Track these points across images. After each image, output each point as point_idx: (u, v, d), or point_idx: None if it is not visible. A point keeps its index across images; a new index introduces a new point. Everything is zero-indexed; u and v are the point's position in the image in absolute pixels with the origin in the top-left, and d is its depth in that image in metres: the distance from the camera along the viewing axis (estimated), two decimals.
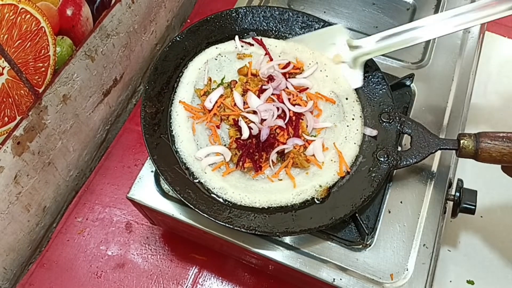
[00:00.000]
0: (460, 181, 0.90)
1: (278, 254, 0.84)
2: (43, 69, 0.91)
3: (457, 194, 0.88)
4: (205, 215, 0.80)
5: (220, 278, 1.04)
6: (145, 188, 0.89)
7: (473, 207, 0.86)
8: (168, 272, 1.04)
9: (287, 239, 0.85)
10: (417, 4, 1.16)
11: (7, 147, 0.89)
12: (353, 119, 0.93)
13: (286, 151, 0.88)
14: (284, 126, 0.89)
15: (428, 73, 1.02)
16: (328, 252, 0.84)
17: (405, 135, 0.92)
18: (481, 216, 1.09)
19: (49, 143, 1.01)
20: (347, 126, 0.92)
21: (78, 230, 1.09)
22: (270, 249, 0.84)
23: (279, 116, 0.90)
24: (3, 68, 0.81)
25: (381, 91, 0.95)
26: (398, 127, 0.89)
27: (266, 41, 1.02)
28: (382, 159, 0.87)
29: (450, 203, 0.91)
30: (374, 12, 1.13)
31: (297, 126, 0.90)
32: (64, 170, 1.10)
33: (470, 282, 1.03)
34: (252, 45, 1.01)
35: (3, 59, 0.80)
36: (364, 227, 0.85)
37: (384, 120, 0.91)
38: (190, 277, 1.04)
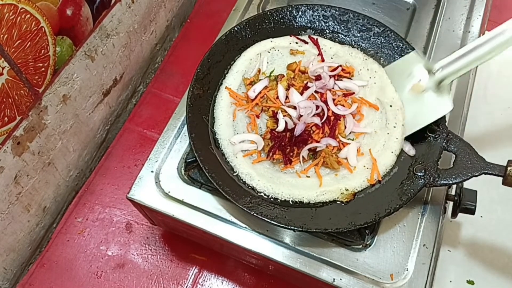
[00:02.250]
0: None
1: (278, 254, 0.84)
2: (43, 69, 0.91)
3: (457, 194, 0.88)
4: (227, 196, 0.82)
5: (220, 278, 1.04)
6: (145, 188, 0.89)
7: (473, 207, 0.86)
8: (168, 272, 1.04)
9: (287, 239, 0.85)
10: (417, 4, 1.16)
11: (7, 147, 0.89)
12: (394, 127, 0.91)
13: (318, 149, 0.88)
14: (320, 125, 0.89)
15: None
16: (328, 252, 0.84)
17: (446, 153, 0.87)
18: (481, 216, 1.09)
19: (49, 143, 1.01)
20: (388, 133, 0.91)
21: (78, 230, 1.09)
22: (270, 249, 0.84)
23: (317, 115, 0.90)
24: (3, 68, 0.81)
25: None
26: (443, 144, 0.86)
27: (321, 41, 1.02)
28: (419, 173, 0.84)
29: (450, 203, 0.91)
30: (374, 12, 1.13)
31: (334, 126, 0.90)
32: (64, 170, 1.10)
33: (470, 282, 1.03)
34: (307, 43, 1.02)
35: (3, 59, 0.80)
36: (364, 228, 0.85)
37: (430, 134, 0.87)
38: (190, 277, 1.04)
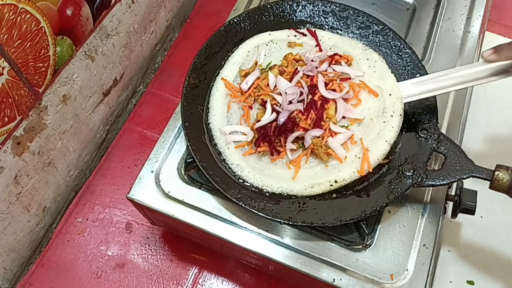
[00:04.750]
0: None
1: (278, 254, 0.84)
2: (43, 69, 0.91)
3: (457, 194, 0.88)
4: (217, 185, 0.83)
5: (220, 278, 1.04)
6: (145, 188, 0.89)
7: (473, 207, 0.86)
8: (168, 272, 1.04)
9: (287, 239, 0.85)
10: (417, 4, 1.16)
11: (7, 147, 0.89)
12: (391, 115, 0.89)
13: (306, 143, 0.87)
14: (303, 110, 0.87)
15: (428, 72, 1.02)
16: (328, 252, 0.84)
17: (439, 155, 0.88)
18: (481, 216, 1.09)
19: (49, 143, 1.01)
20: (384, 122, 0.89)
21: (78, 230, 1.09)
22: (270, 249, 0.84)
23: (302, 100, 0.88)
24: (3, 68, 0.81)
25: (426, 105, 0.91)
26: (434, 145, 0.86)
27: (320, 33, 1.02)
28: (407, 173, 0.84)
29: (450, 203, 0.91)
30: (374, 12, 1.13)
31: (320, 112, 0.87)
32: (64, 170, 1.10)
33: (470, 282, 1.03)
34: (305, 35, 1.02)
35: (3, 59, 0.80)
36: (364, 228, 0.85)
37: (422, 135, 0.87)
38: (190, 277, 1.04)
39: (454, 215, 0.89)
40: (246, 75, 0.96)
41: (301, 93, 0.89)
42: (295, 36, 1.02)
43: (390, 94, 0.92)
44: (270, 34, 1.02)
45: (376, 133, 0.88)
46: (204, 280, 1.03)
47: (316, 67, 0.93)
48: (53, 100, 0.97)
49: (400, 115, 0.90)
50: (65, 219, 1.10)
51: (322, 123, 0.87)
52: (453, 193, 0.89)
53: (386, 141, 0.88)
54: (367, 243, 0.85)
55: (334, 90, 0.90)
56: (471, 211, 0.86)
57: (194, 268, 1.05)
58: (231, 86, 0.95)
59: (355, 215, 0.81)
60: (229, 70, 0.98)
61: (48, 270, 1.04)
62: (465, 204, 0.86)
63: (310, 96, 0.89)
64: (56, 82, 0.96)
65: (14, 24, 0.80)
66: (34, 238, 1.08)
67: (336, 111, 0.88)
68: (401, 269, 0.83)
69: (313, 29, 1.02)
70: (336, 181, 0.85)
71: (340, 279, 0.81)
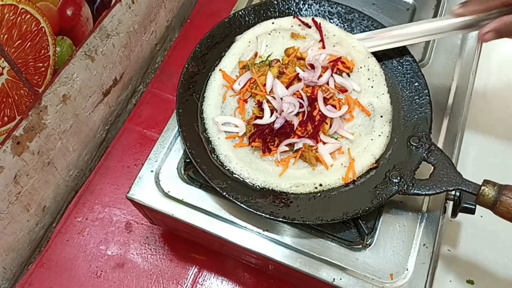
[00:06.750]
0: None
1: (278, 254, 0.84)
2: (43, 69, 0.91)
3: (457, 194, 0.88)
4: (203, 174, 0.84)
5: (220, 278, 1.04)
6: (145, 188, 0.89)
7: (473, 207, 0.86)
8: (168, 272, 1.04)
9: (287, 239, 0.85)
10: (417, 4, 1.16)
11: (7, 147, 0.89)
12: (379, 135, 0.91)
13: (296, 147, 0.88)
14: (296, 126, 0.89)
15: (428, 73, 1.01)
16: (328, 252, 0.84)
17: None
18: (481, 216, 1.08)
19: (49, 143, 1.01)
20: (371, 139, 0.91)
21: (78, 230, 1.09)
22: (270, 249, 0.84)
23: (300, 114, 0.90)
24: (3, 68, 0.81)
25: (421, 114, 0.91)
26: (424, 154, 0.86)
27: (325, 25, 1.01)
28: (394, 180, 0.84)
29: (450, 203, 0.91)
30: (374, 12, 1.13)
31: (318, 128, 0.89)
32: (64, 170, 1.10)
33: (470, 282, 1.03)
34: (310, 27, 1.01)
35: (3, 59, 0.80)
36: (363, 227, 0.85)
37: (413, 143, 0.87)
38: (190, 277, 1.04)
39: (454, 214, 0.89)
40: (244, 67, 0.96)
41: (301, 105, 0.90)
42: (299, 25, 1.01)
43: (381, 116, 0.93)
44: (273, 23, 1.02)
45: (363, 148, 0.90)
46: (204, 280, 1.03)
47: (319, 76, 0.93)
48: (53, 100, 0.97)
49: (387, 136, 0.92)
50: (64, 219, 1.10)
51: (319, 137, 0.89)
52: (453, 193, 0.89)
53: (372, 155, 0.89)
54: (367, 242, 0.85)
55: (333, 106, 0.92)
56: (471, 210, 0.86)
57: (193, 267, 1.05)
58: (228, 78, 0.95)
59: (337, 216, 0.82)
60: (229, 61, 0.98)
61: (48, 270, 1.04)
62: (465, 203, 0.86)
63: (309, 108, 0.91)
64: (56, 82, 0.96)
65: (14, 25, 0.80)
66: (33, 238, 1.08)
67: (330, 126, 0.91)
68: (401, 268, 0.83)
69: (318, 21, 1.01)
70: (321, 185, 0.87)
71: (340, 279, 0.81)
